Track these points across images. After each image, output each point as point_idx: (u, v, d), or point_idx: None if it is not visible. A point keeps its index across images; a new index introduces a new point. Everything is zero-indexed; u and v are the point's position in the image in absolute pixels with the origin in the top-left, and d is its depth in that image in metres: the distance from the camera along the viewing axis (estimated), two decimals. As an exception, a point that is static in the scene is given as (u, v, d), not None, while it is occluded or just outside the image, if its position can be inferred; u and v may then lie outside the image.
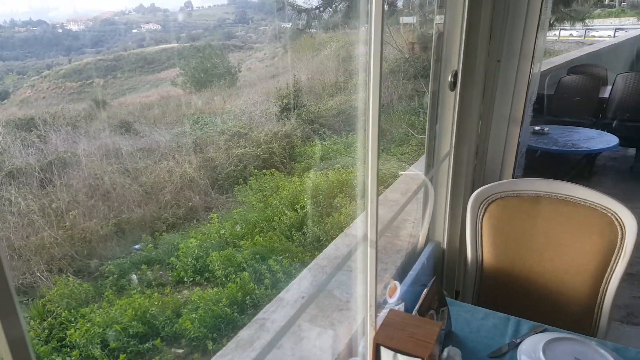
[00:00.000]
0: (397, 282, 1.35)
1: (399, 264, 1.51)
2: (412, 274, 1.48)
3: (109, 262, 4.37)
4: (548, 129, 3.36)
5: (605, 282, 1.43)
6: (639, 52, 8.48)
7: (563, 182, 1.49)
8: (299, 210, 5.10)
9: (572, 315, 1.49)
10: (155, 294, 3.82)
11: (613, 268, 1.42)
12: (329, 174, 5.81)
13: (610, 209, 1.41)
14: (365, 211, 1.01)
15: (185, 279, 4.14)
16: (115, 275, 4.15)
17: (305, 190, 5.55)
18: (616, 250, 1.40)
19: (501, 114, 1.82)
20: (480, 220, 1.55)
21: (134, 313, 3.43)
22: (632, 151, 4.65)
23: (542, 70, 4.62)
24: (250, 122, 7.37)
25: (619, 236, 1.39)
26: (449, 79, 1.38)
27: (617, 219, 1.40)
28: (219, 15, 10.52)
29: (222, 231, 4.81)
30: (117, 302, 3.65)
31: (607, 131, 3.36)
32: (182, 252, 4.36)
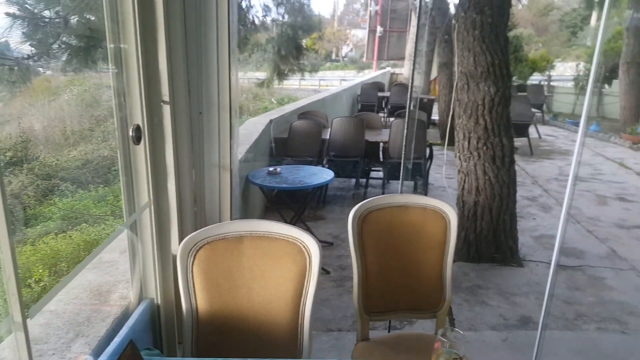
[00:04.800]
0: (89, 357, 1.21)
1: (102, 332, 1.37)
2: (116, 340, 1.35)
3: None
4: (280, 169, 3.74)
5: (302, 304, 1.60)
6: (353, 100, 10.55)
7: (260, 220, 1.63)
8: (33, 285, 4.25)
9: (281, 340, 1.61)
10: None
11: (306, 290, 1.60)
12: (74, 236, 5.07)
13: (298, 239, 1.60)
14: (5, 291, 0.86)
15: None
16: None
17: (42, 259, 4.68)
18: (307, 274, 1.60)
19: (211, 161, 1.91)
20: (190, 268, 1.55)
21: None
22: (354, 181, 5.64)
23: (278, 116, 5.23)
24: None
25: (307, 261, 1.59)
26: (131, 133, 1.36)
27: (304, 247, 1.59)
28: None
29: None
30: None
31: (327, 167, 4.00)
32: None
